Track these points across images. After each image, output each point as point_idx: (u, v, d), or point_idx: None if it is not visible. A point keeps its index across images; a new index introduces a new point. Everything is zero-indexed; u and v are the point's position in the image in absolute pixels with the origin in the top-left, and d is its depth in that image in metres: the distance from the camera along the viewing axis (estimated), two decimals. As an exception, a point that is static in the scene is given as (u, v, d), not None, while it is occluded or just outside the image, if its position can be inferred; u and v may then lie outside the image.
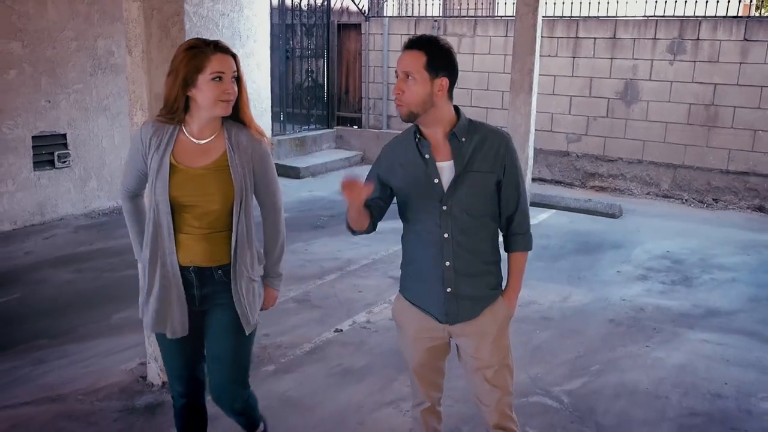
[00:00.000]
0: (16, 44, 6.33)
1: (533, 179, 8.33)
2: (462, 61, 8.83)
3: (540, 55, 7.32)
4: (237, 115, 2.39)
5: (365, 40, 10.20)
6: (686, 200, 8.09)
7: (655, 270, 5.70)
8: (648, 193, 8.35)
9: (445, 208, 2.31)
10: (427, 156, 2.32)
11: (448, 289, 2.36)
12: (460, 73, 2.32)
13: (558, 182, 8.90)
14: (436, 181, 2.30)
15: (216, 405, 2.61)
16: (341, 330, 4.42)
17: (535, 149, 7.91)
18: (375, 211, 2.39)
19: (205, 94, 2.25)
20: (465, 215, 2.32)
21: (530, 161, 7.66)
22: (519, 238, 2.46)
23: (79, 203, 7.13)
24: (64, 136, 6.88)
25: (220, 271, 2.40)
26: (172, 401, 2.68)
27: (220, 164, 2.34)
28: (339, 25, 10.44)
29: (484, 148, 2.32)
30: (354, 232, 2.41)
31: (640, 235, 6.66)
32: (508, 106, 7.62)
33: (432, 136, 2.33)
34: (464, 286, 2.36)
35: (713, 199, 7.96)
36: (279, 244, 2.56)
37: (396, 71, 2.30)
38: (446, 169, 2.31)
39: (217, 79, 2.24)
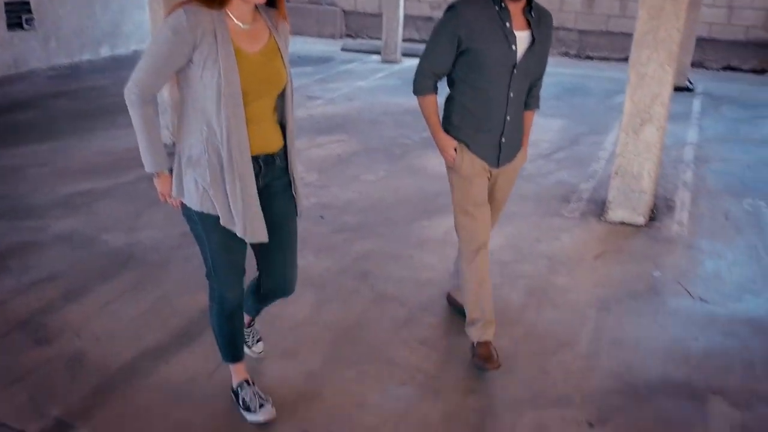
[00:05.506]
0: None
1: (404, 40, 10.70)
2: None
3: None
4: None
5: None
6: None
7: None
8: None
9: (515, 71, 2.59)
10: (508, 24, 2.53)
11: (503, 140, 2.71)
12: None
13: (424, 41, 11.36)
14: (513, 47, 2.55)
15: (269, 295, 2.62)
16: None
17: (405, 16, 10.26)
18: (441, 75, 2.71)
19: None
20: (524, 77, 2.66)
21: (400, 28, 10.06)
22: (536, 99, 2.85)
23: (43, 59, 8.85)
24: (27, 2, 8.47)
25: (277, 157, 2.34)
26: (219, 307, 2.49)
27: (271, 48, 2.22)
28: None
29: (545, 23, 2.65)
30: None
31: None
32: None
33: (513, 8, 2.56)
34: (513, 137, 2.76)
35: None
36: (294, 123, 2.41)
37: None
38: (522, 38, 2.57)
39: None
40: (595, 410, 2.71)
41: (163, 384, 2.80)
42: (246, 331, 2.85)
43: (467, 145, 2.72)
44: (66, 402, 2.67)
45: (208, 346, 2.98)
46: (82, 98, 7.57)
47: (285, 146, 2.36)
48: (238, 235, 2.24)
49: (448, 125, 2.75)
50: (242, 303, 2.56)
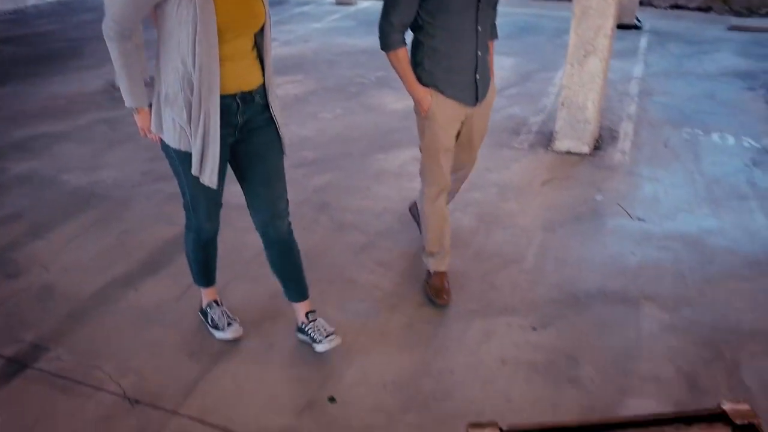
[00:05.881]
0: None
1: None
2: None
3: None
4: None
5: None
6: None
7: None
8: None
9: (480, 5, 2.59)
10: None
11: (477, 76, 2.72)
12: None
13: (379, -18, 11.30)
14: None
15: (265, 236, 2.56)
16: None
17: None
18: (408, 25, 2.64)
19: None
20: (487, 11, 2.66)
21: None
22: (494, 29, 2.86)
23: (-14, 4, 8.59)
24: (-36, -56, 8.17)
25: (256, 94, 2.32)
26: (196, 236, 2.59)
27: None
28: None
29: None
30: None
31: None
32: None
33: None
34: (485, 72, 2.77)
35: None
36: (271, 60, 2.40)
37: None
38: None
39: None
40: (539, 317, 2.95)
41: (133, 308, 2.94)
42: (308, 327, 2.68)
43: (441, 91, 2.70)
44: (39, 328, 2.79)
45: (174, 274, 3.12)
46: (30, 44, 7.42)
47: (264, 83, 2.34)
48: (192, 173, 2.26)
49: (420, 71, 2.69)
50: (217, 234, 2.61)
